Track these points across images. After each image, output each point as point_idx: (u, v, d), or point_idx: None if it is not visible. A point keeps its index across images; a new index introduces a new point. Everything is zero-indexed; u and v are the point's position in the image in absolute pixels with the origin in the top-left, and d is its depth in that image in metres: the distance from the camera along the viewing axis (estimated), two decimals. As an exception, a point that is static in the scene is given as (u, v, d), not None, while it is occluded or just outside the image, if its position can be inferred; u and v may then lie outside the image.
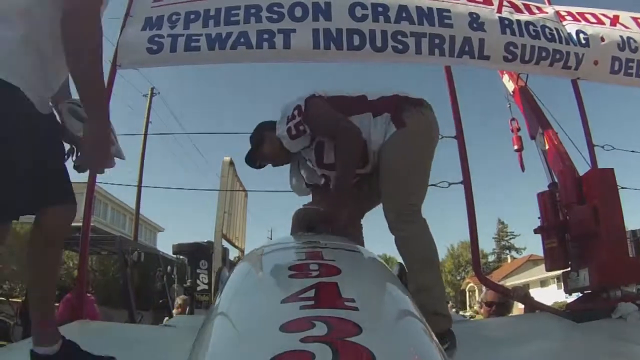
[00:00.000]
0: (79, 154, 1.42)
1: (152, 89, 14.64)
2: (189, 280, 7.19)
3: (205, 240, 7.50)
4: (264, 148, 2.00)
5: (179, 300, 5.60)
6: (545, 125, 3.03)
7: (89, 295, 4.47)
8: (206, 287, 7.10)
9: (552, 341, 1.62)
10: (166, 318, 6.05)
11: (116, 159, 1.41)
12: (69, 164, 1.41)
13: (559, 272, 2.46)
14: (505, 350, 1.70)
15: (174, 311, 5.50)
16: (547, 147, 2.94)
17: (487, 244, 41.26)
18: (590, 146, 2.74)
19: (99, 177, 2.48)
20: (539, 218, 2.62)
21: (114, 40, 2.51)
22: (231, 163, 4.83)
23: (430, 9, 2.51)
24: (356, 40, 2.41)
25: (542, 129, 3.06)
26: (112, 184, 11.80)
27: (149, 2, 2.58)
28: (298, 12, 2.44)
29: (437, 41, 2.47)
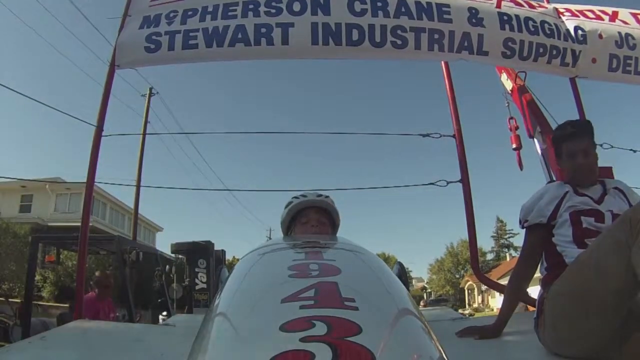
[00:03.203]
0: None
1: (151, 89, 14.58)
2: (188, 279, 7.20)
3: (204, 240, 7.50)
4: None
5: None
6: (544, 124, 3.03)
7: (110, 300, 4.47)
8: (205, 286, 7.10)
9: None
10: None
11: None
12: None
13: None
14: (505, 347, 1.71)
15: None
16: (545, 145, 2.95)
17: (486, 243, 41.38)
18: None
19: (98, 177, 2.48)
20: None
21: (113, 40, 2.52)
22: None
23: (429, 4, 2.51)
24: (355, 35, 2.41)
25: (540, 127, 3.06)
26: (111, 184, 11.82)
27: (147, 1, 2.57)
28: (296, 6, 2.44)
29: (436, 36, 2.48)
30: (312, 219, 1.64)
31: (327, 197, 1.72)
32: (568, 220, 1.63)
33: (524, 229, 1.79)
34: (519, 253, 1.88)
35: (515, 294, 1.82)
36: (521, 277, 1.79)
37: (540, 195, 1.75)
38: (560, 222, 1.65)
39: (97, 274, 4.46)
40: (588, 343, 1.31)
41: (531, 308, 2.55)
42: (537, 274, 1.75)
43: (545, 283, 1.60)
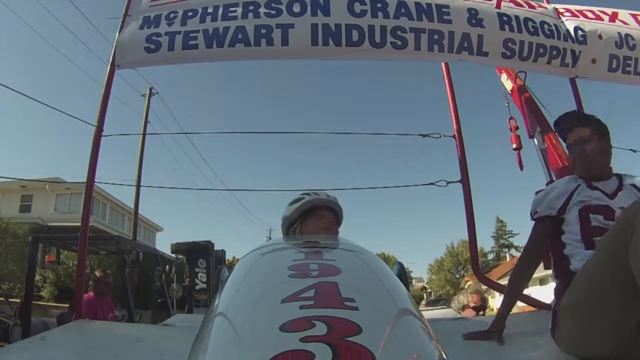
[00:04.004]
0: None
1: (151, 89, 14.60)
2: (188, 280, 7.20)
3: (204, 240, 7.51)
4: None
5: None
6: (544, 124, 3.03)
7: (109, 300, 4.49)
8: (205, 286, 7.11)
9: (552, 339, 1.62)
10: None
11: None
12: None
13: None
14: (505, 347, 1.70)
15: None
16: (545, 145, 2.94)
17: (486, 243, 41.38)
18: (589, 144, 2.74)
19: (98, 177, 2.48)
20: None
21: (113, 40, 2.52)
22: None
23: (429, 5, 2.51)
24: (355, 36, 2.40)
25: (540, 127, 3.06)
26: (112, 184, 11.81)
27: (147, 1, 2.57)
28: (296, 7, 2.44)
29: (436, 37, 2.47)
30: (326, 216, 1.68)
31: (335, 198, 1.76)
32: (577, 217, 1.61)
33: (534, 221, 1.77)
34: (525, 245, 1.83)
35: (518, 286, 1.80)
36: (524, 269, 1.76)
37: (551, 189, 1.75)
38: (570, 218, 1.64)
39: (96, 273, 4.46)
40: (604, 349, 1.29)
41: (529, 308, 2.55)
42: (537, 274, 1.75)
43: (557, 293, 1.58)
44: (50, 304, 12.24)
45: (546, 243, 1.73)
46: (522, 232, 40.47)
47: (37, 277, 11.40)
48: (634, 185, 1.67)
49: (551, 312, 1.59)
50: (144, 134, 13.25)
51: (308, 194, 1.74)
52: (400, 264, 1.64)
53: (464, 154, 2.75)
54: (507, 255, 39.53)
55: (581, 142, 1.71)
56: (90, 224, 2.51)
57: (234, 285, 0.88)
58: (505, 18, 2.58)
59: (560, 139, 2.82)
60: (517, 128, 3.44)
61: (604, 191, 1.64)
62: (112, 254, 6.38)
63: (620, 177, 1.71)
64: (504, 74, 3.57)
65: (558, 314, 1.49)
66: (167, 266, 6.99)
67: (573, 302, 1.41)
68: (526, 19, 2.63)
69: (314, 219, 1.67)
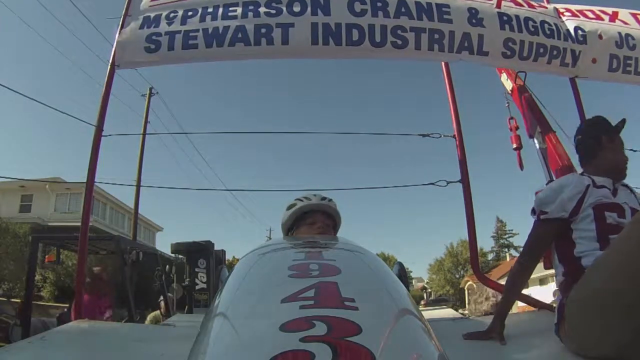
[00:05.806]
0: None
1: (151, 88, 14.59)
2: (188, 280, 7.19)
3: (204, 240, 7.50)
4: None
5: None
6: (544, 124, 3.03)
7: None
8: (205, 286, 7.10)
9: (553, 338, 1.62)
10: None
11: None
12: None
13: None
14: (505, 347, 1.70)
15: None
16: (545, 145, 2.94)
17: (486, 243, 41.39)
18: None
19: (98, 177, 2.47)
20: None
21: (113, 40, 2.52)
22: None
23: (429, 4, 2.51)
24: (355, 35, 2.41)
25: (540, 127, 3.06)
26: (112, 184, 11.85)
27: (147, 1, 2.57)
28: (297, 6, 2.44)
29: (436, 36, 2.48)
30: (318, 221, 1.68)
31: (330, 200, 1.76)
32: (591, 215, 1.58)
33: (538, 220, 1.70)
34: (525, 244, 1.78)
35: (517, 286, 1.79)
36: (524, 268, 1.74)
37: (560, 188, 1.67)
38: (582, 217, 1.60)
39: (93, 269, 4.46)
40: (612, 343, 1.29)
41: (529, 308, 2.54)
42: (537, 274, 1.74)
43: (564, 289, 1.57)
44: (50, 304, 12.24)
45: (549, 243, 1.71)
46: (522, 232, 40.52)
47: (37, 277, 11.39)
48: (623, 184, 1.72)
49: (557, 307, 1.58)
50: (144, 134, 13.25)
51: (301, 199, 1.74)
52: (400, 264, 1.64)
53: (464, 154, 2.75)
54: (507, 255, 39.51)
55: (624, 148, 1.77)
56: (90, 224, 2.50)
57: (234, 285, 0.88)
58: (505, 18, 2.58)
59: (559, 139, 2.83)
60: (517, 128, 3.44)
61: (608, 188, 1.66)
62: (112, 254, 6.37)
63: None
64: (504, 74, 3.57)
65: (566, 306, 1.48)
66: (167, 266, 6.98)
67: (584, 294, 1.40)
68: (526, 19, 2.63)
69: (306, 225, 1.68)
